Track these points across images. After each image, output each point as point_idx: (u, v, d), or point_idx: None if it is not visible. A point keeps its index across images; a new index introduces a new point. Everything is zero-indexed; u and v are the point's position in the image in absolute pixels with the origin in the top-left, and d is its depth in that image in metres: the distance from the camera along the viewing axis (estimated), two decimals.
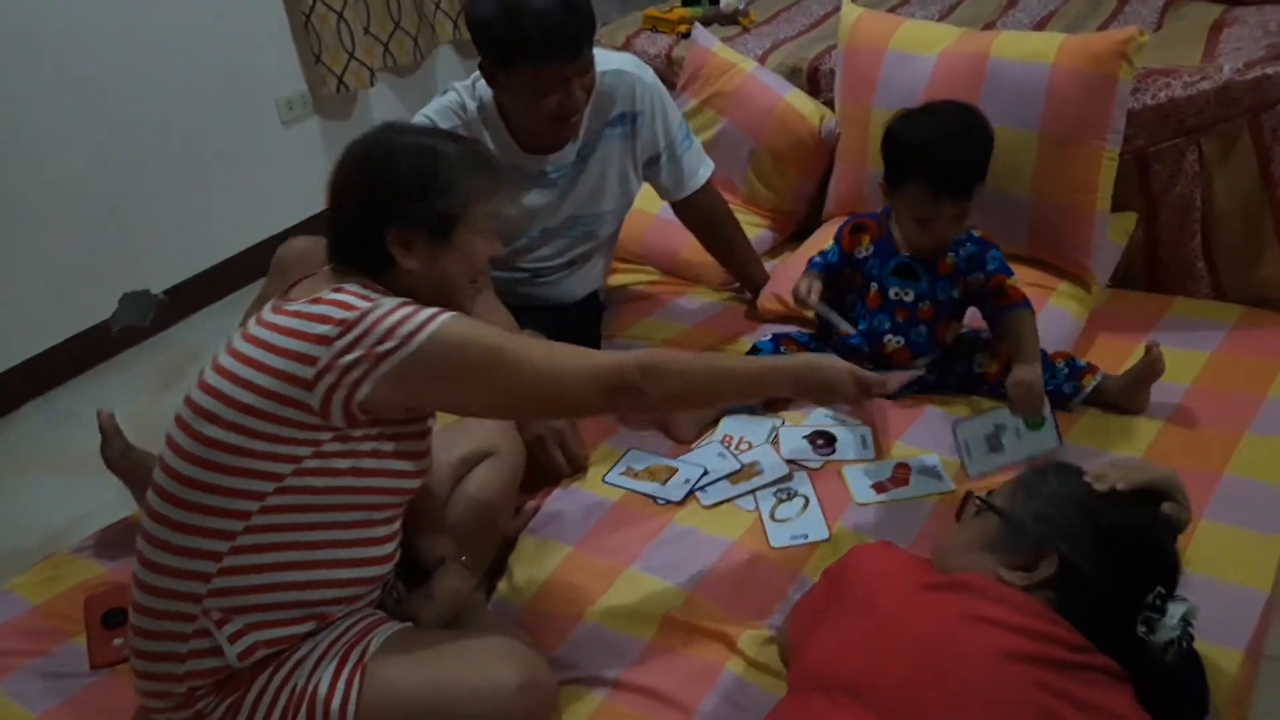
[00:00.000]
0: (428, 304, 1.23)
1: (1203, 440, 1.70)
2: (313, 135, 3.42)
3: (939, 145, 1.69)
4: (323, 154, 3.41)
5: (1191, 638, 1.05)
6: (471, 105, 1.86)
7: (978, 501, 1.20)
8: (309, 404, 1.17)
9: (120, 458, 1.70)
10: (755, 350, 1.92)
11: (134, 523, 1.73)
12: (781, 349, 1.90)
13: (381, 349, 1.16)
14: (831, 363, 1.41)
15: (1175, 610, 1.04)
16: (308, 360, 1.16)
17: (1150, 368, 1.74)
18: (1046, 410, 1.61)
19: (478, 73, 1.81)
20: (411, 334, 1.17)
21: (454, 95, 1.87)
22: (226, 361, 1.21)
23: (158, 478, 1.23)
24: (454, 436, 1.59)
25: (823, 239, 2.12)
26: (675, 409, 1.78)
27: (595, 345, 1.94)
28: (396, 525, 1.33)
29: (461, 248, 1.30)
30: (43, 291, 2.77)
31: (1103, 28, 2.55)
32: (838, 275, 1.89)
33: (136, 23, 2.85)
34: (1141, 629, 1.04)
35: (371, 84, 3.45)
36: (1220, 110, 2.10)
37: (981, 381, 1.83)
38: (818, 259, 1.91)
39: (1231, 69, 2.09)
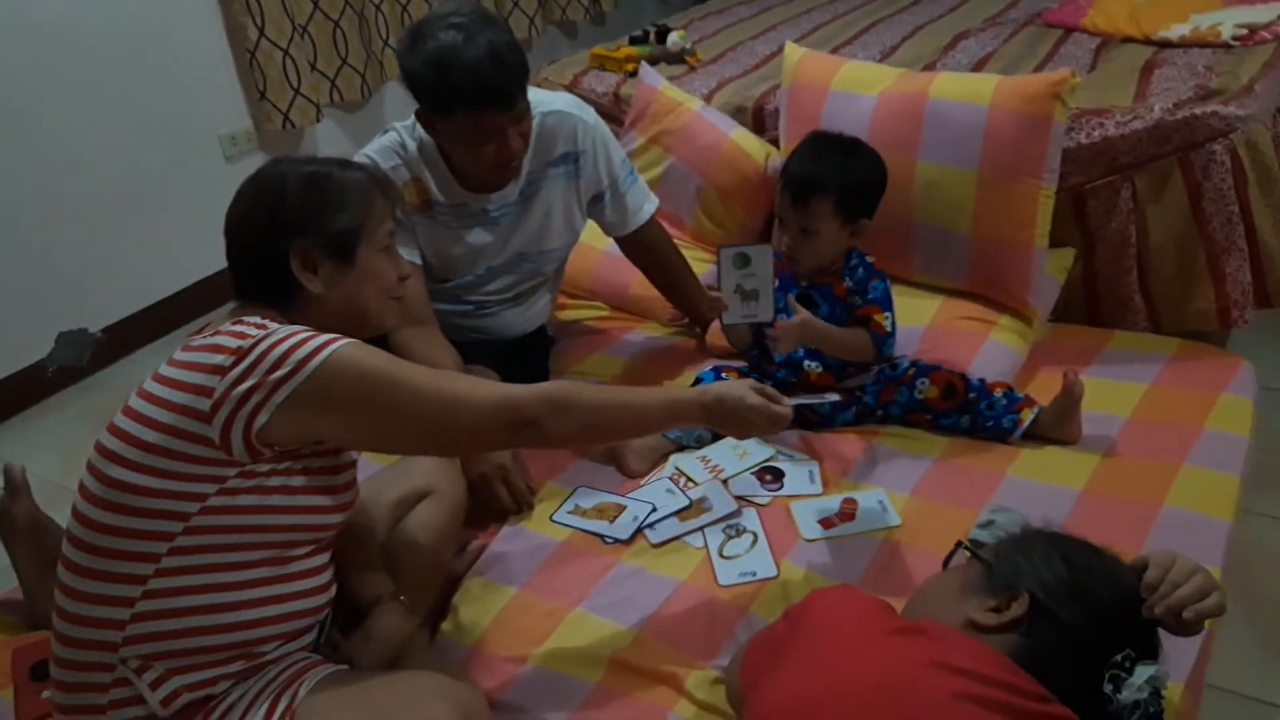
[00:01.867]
0: (342, 331, 1.22)
1: (1141, 472, 1.71)
2: None
3: (796, 157, 1.89)
4: None
5: (1161, 708, 1.02)
6: (412, 145, 1.85)
7: (965, 550, 1.18)
8: (209, 437, 1.14)
9: (25, 517, 1.60)
10: (698, 381, 1.92)
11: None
12: (723, 377, 1.91)
13: (276, 376, 1.14)
14: (741, 396, 1.34)
15: (1143, 672, 1.00)
16: (204, 392, 1.14)
17: (1069, 395, 1.78)
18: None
19: None
20: (305, 359, 1.15)
21: (394, 135, 1.86)
22: (135, 403, 1.18)
23: (70, 526, 1.20)
24: (392, 476, 1.56)
25: None
26: (581, 444, 1.79)
27: (544, 379, 1.93)
28: (318, 561, 1.29)
29: (365, 266, 1.30)
30: None
31: (1038, 69, 2.61)
32: None
33: (75, 57, 2.81)
34: (1108, 687, 1.01)
35: (318, 120, 3.42)
36: (1152, 149, 2.16)
37: (924, 408, 1.85)
38: None
39: (1162, 109, 2.16)
